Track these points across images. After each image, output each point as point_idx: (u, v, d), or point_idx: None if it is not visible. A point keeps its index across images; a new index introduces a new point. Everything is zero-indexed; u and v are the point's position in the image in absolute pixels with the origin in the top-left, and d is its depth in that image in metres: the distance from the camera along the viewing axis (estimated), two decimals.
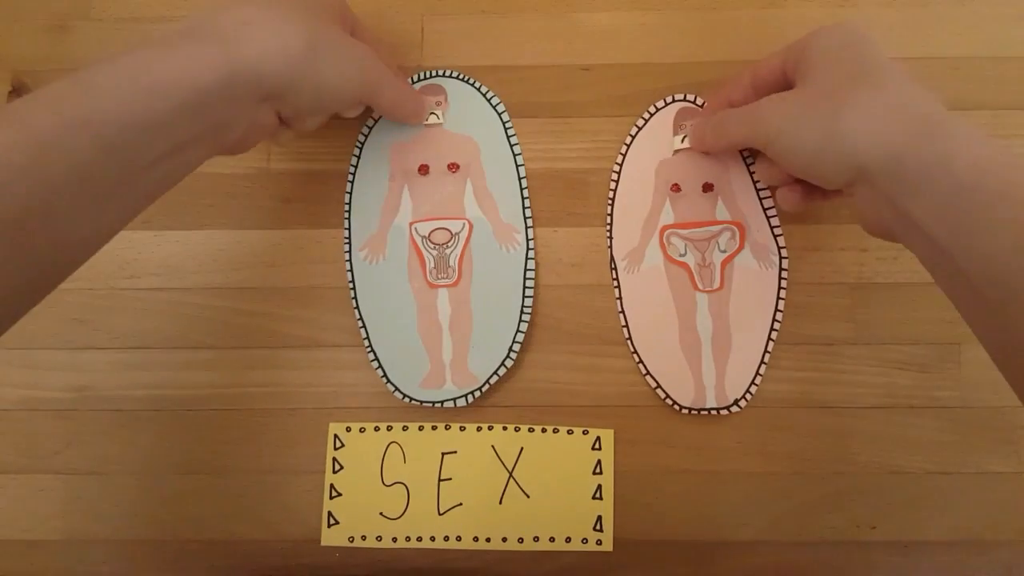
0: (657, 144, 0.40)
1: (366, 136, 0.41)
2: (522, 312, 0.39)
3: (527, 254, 0.39)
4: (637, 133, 0.41)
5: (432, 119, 0.41)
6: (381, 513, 0.38)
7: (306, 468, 0.39)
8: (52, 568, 0.39)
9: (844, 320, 0.39)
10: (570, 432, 0.39)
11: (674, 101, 0.41)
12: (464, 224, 0.40)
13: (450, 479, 0.38)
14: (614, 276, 0.39)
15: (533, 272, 0.39)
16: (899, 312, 0.39)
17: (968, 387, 0.38)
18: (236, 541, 0.39)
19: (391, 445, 0.39)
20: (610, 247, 0.40)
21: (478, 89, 0.41)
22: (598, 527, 0.38)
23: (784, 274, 0.39)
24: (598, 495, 0.38)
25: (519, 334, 0.38)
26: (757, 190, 0.39)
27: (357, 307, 0.39)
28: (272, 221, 0.41)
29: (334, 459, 0.39)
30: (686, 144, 0.40)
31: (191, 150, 0.29)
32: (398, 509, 0.38)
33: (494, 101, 0.41)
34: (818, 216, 0.40)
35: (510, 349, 0.38)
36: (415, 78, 0.42)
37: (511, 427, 0.39)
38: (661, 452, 0.38)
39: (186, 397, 0.40)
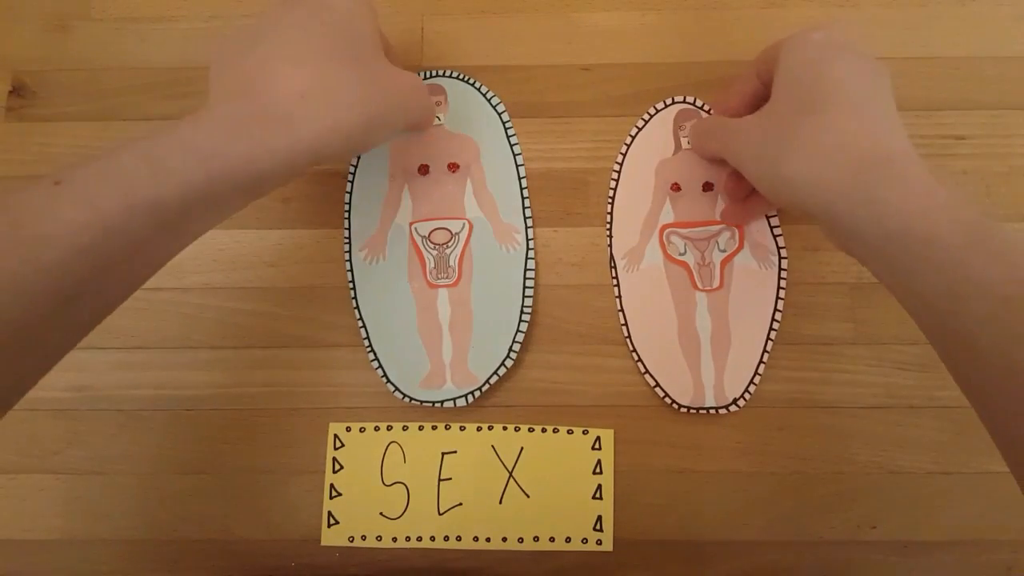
0: (657, 144, 0.40)
1: None
2: (522, 312, 0.39)
3: (527, 254, 0.39)
4: (637, 133, 0.41)
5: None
6: (381, 513, 0.38)
7: (306, 468, 0.39)
8: (52, 568, 0.39)
9: (844, 320, 0.39)
10: (570, 432, 0.39)
11: (674, 103, 0.41)
12: (464, 224, 0.40)
13: (450, 479, 0.38)
14: (613, 275, 0.39)
15: (533, 272, 0.39)
16: (899, 312, 0.38)
17: None
18: (236, 541, 0.39)
19: (391, 445, 0.39)
20: (610, 246, 0.40)
21: (478, 89, 0.41)
22: (598, 527, 0.38)
23: (783, 274, 0.39)
24: (598, 495, 0.38)
25: (519, 334, 0.38)
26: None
27: (357, 307, 0.39)
28: (272, 221, 0.41)
29: (334, 459, 0.39)
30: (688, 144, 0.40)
31: (235, 208, 0.29)
32: (398, 509, 0.38)
33: (494, 101, 0.41)
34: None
35: (510, 349, 0.38)
36: None
37: (511, 427, 0.39)
38: (661, 452, 0.38)
39: (186, 397, 0.40)
